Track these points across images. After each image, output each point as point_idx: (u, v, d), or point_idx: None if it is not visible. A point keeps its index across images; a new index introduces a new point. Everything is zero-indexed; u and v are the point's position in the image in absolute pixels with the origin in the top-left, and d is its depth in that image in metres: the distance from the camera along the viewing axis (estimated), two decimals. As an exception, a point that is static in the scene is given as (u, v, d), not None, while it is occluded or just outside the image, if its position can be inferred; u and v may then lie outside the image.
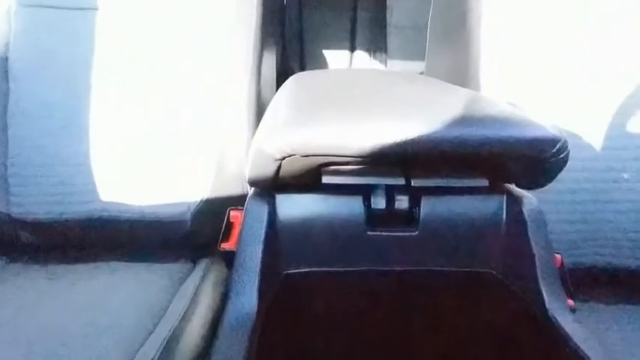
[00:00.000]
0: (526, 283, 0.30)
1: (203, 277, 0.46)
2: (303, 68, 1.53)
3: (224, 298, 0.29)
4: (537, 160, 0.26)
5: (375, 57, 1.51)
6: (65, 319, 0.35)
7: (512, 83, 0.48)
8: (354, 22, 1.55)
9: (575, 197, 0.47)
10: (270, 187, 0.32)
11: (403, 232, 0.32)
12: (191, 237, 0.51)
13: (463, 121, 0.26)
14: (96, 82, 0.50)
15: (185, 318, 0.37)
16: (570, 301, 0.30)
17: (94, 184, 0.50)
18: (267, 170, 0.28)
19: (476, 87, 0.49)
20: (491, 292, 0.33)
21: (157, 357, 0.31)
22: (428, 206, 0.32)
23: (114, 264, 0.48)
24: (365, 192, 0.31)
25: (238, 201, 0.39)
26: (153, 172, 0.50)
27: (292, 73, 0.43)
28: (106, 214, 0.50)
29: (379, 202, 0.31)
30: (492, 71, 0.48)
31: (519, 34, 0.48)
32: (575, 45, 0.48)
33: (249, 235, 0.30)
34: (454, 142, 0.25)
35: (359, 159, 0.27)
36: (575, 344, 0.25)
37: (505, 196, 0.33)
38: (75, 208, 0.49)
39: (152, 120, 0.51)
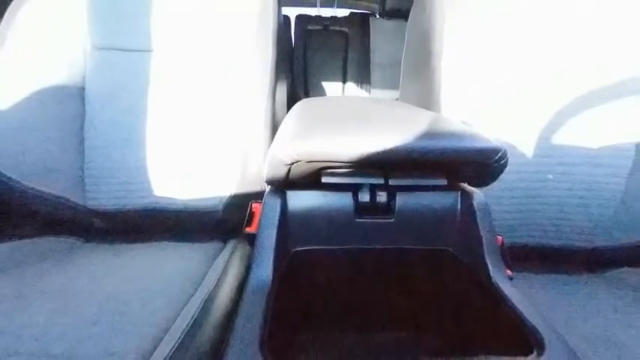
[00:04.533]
0: (475, 258, 0.30)
1: (231, 254, 0.46)
2: (307, 95, 1.53)
3: (247, 270, 0.28)
4: (484, 165, 0.26)
5: (361, 87, 1.51)
6: (127, 286, 0.35)
7: (465, 106, 0.48)
8: (345, 61, 1.55)
9: (512, 193, 0.47)
10: (282, 185, 0.31)
11: (383, 219, 0.32)
12: (222, 223, 0.51)
13: (428, 135, 0.26)
14: (152, 105, 0.50)
15: (218, 285, 0.37)
16: (509, 272, 0.29)
17: (149, 182, 0.49)
18: (280, 172, 0.28)
19: (438, 109, 0.48)
20: (449, 265, 0.33)
21: (197, 314, 0.31)
22: (402, 200, 0.32)
23: (164, 244, 0.48)
24: (354, 189, 0.31)
25: (258, 196, 0.39)
26: (193, 175, 0.50)
27: (299, 99, 0.43)
28: (158, 205, 0.49)
29: (365, 197, 0.31)
30: (450, 97, 0.48)
31: (470, 70, 0.48)
32: (511, 81, 0.48)
33: (266, 221, 0.30)
34: (421, 151, 0.25)
35: (349, 164, 0.27)
36: (513, 304, 0.24)
37: (460, 192, 0.32)
38: (135, 201, 0.49)
39: (194, 136, 0.50)
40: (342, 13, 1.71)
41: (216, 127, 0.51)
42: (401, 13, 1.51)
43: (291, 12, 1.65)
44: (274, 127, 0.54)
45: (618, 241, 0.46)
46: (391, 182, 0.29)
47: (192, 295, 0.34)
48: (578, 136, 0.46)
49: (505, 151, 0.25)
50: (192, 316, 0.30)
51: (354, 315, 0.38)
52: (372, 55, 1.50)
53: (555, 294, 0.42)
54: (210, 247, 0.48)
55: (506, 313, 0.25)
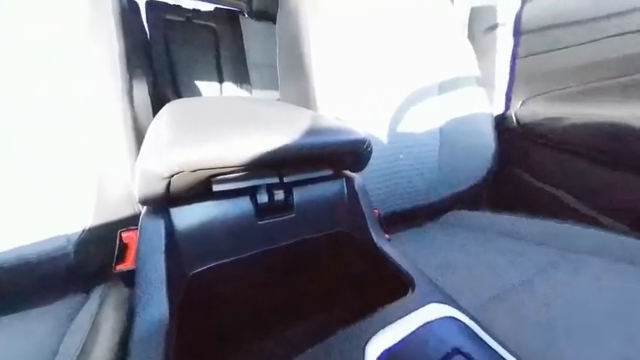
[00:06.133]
0: (362, 231, 0.34)
1: (100, 305, 0.35)
2: (178, 96, 1.33)
3: (130, 316, 0.23)
4: (357, 153, 0.31)
5: (241, 87, 1.46)
6: None
7: (337, 104, 0.55)
8: (218, 58, 1.45)
9: (379, 173, 0.59)
10: (162, 203, 0.26)
11: (284, 216, 0.32)
12: (78, 269, 0.37)
13: (312, 132, 0.28)
14: None
15: (85, 351, 0.27)
16: (386, 235, 0.35)
17: None
18: (157, 188, 0.23)
19: (315, 108, 0.53)
20: (345, 244, 0.37)
21: None
22: (298, 194, 0.33)
23: None
24: (251, 192, 0.30)
25: (129, 222, 0.31)
26: (17, 212, 0.34)
27: (167, 100, 0.37)
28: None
29: (263, 198, 0.30)
30: (324, 97, 0.54)
31: (337, 72, 0.56)
32: (368, 81, 0.59)
33: (148, 249, 0.25)
34: (308, 147, 0.27)
35: (242, 167, 0.26)
36: (394, 259, 0.30)
37: (344, 179, 0.36)
38: None
39: (19, 153, 0.34)
40: (206, 7, 1.57)
41: (47, 140, 0.36)
42: (268, 16, 1.55)
43: (139, -4, 1.38)
44: (139, 135, 0.44)
45: (442, 195, 0.66)
46: (286, 179, 0.30)
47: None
48: (411, 125, 0.62)
49: (370, 140, 0.31)
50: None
51: (271, 317, 0.37)
52: (247, 55, 1.48)
53: (416, 243, 0.56)
54: (62, 306, 0.34)
55: (389, 268, 0.30)
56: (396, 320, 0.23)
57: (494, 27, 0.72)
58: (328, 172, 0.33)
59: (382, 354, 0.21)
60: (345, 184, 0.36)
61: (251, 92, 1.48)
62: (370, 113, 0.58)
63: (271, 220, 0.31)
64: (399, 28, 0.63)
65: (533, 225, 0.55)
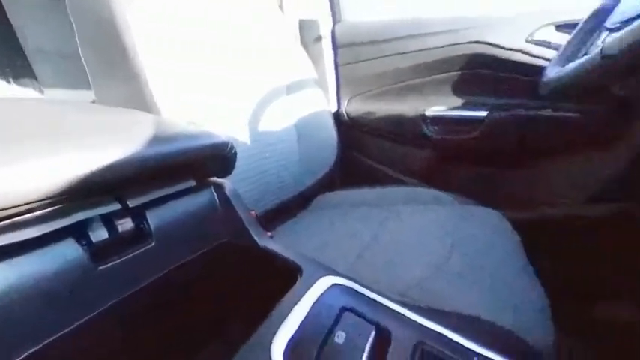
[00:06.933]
0: (244, 235, 0.33)
1: None
2: None
3: None
4: (220, 157, 0.30)
5: (20, 84, 0.98)
6: None
7: (185, 108, 0.49)
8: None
9: (249, 174, 0.59)
10: None
11: (139, 249, 0.25)
12: None
13: (158, 140, 0.23)
14: None
15: None
16: (268, 233, 0.36)
17: None
18: None
19: (157, 112, 0.45)
20: (227, 253, 0.34)
21: None
22: (155, 217, 0.27)
23: None
24: (76, 231, 0.21)
25: None
26: None
27: None
28: None
29: (100, 234, 0.22)
30: (166, 99, 0.46)
31: (178, 69, 0.49)
32: (218, 83, 0.55)
33: None
34: (157, 158, 0.23)
35: (50, 201, 0.18)
36: (281, 256, 0.31)
37: (212, 187, 0.33)
38: None
39: None
40: None
41: None
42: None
43: None
44: None
45: (306, 184, 0.74)
46: (132, 203, 0.24)
47: None
48: (270, 125, 0.65)
49: (231, 143, 0.30)
50: None
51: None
52: (23, 40, 1.00)
53: (295, 232, 0.61)
54: None
55: (279, 265, 0.31)
56: (292, 308, 0.25)
57: (319, 38, 0.87)
58: (191, 184, 0.29)
59: (287, 346, 0.22)
60: (214, 192, 0.33)
61: (42, 92, 1.03)
62: (226, 116, 0.56)
63: (120, 259, 0.24)
64: (236, 29, 0.63)
65: (371, 193, 0.73)
